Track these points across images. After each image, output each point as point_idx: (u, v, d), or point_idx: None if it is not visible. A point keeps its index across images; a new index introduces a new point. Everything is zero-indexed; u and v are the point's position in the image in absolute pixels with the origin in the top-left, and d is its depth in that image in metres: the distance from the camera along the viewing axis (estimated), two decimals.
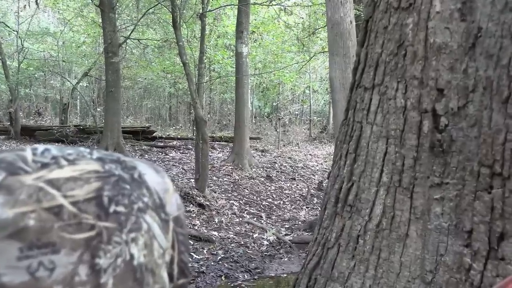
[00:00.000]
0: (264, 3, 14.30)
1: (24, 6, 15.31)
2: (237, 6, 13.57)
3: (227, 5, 15.25)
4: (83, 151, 0.66)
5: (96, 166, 0.63)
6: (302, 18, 18.31)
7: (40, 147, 0.64)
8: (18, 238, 0.54)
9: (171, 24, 10.58)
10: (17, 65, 15.47)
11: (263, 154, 15.91)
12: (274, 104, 24.02)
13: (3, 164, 0.58)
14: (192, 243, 8.57)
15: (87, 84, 21.53)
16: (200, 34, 11.72)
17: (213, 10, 14.30)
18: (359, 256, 2.12)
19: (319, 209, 3.42)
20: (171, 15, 10.31)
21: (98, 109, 20.23)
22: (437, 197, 1.97)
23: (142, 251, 0.63)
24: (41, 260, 0.54)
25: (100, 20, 13.60)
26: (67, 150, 0.64)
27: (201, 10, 11.55)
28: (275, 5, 14.71)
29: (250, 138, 15.41)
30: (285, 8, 15.20)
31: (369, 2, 2.28)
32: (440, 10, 2.02)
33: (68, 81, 17.86)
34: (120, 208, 0.61)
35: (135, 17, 16.27)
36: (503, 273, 1.81)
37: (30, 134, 14.46)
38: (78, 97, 20.68)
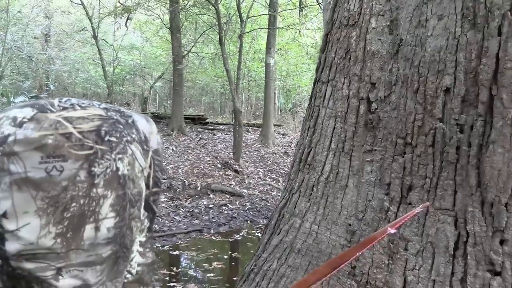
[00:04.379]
0: (285, 27, 14.24)
1: (118, 28, 15.63)
2: (266, 30, 13.55)
3: (258, 29, 15.27)
4: (94, 103, 0.72)
5: (100, 112, 0.69)
6: (316, 40, 18.07)
7: (65, 98, 0.70)
8: (41, 150, 0.62)
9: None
10: (112, 70, 15.79)
11: (283, 136, 15.85)
12: (293, 101, 23.80)
13: (37, 105, 0.66)
14: (228, 197, 8.70)
15: (161, 84, 21.77)
16: (239, 49, 11.83)
17: (248, 32, 14.29)
18: (313, 199, 2.15)
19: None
20: (218, 35, 10.42)
21: (169, 102, 20.48)
22: (368, 159, 1.99)
23: (126, 167, 0.69)
24: (54, 165, 0.62)
25: (170, 39, 13.74)
26: (82, 101, 0.70)
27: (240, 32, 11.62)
28: (292, 29, 14.60)
29: (274, 125, 15.40)
30: (299, 31, 15.03)
31: (329, 21, 2.28)
32: (375, 26, 2.02)
33: (148, 82, 18.16)
34: (113, 138, 0.67)
35: (195, 36, 16.35)
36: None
37: None
38: (157, 93, 20.98)
